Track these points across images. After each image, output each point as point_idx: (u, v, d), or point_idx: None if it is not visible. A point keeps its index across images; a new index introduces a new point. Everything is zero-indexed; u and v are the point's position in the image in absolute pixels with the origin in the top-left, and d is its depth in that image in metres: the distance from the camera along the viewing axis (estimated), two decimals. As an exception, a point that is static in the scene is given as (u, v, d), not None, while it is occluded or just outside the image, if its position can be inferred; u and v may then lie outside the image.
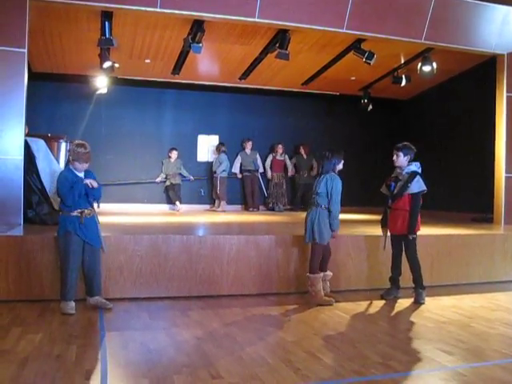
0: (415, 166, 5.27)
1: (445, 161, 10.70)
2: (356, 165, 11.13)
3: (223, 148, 11.18)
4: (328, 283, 5.29)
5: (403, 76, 10.14)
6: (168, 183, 11.03)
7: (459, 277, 6.29)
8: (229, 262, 5.39)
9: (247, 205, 11.41)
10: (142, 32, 8.17)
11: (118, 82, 10.41)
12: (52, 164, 6.65)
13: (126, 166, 10.93)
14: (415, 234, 5.20)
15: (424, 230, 5.44)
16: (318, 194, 5.09)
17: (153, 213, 10.00)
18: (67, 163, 4.75)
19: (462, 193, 10.15)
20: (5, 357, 3.30)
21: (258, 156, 11.49)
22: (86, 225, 4.52)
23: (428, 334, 4.16)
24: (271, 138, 11.68)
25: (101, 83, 9.86)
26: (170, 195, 11.04)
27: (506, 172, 8.39)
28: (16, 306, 4.61)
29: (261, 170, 11.54)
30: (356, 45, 8.41)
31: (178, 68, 10.10)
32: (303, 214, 5.39)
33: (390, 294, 5.41)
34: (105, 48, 8.03)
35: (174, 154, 11.04)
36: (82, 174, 4.60)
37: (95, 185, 4.54)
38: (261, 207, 11.51)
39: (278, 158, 11.57)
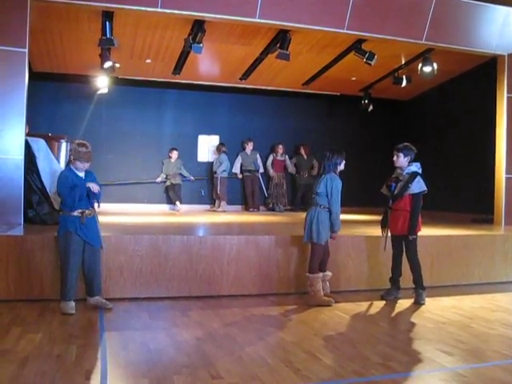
0: (415, 167, 5.27)
1: (445, 161, 10.70)
2: (356, 165, 11.10)
3: (223, 148, 11.18)
4: (328, 283, 5.29)
5: (404, 77, 10.14)
6: (168, 183, 11.03)
7: (459, 277, 6.29)
8: (229, 262, 5.39)
9: (247, 205, 11.41)
10: (142, 32, 8.17)
11: (119, 82, 10.41)
12: (52, 164, 6.66)
13: (127, 166, 10.93)
14: (416, 234, 5.21)
15: (424, 231, 5.44)
16: (318, 193, 5.09)
17: (153, 213, 10.00)
18: (68, 163, 4.74)
19: (463, 193, 10.15)
20: (5, 356, 3.30)
21: (258, 156, 11.48)
22: (86, 225, 4.52)
23: (428, 334, 4.16)
24: (272, 139, 11.67)
25: (101, 83, 9.87)
26: (171, 195, 11.04)
27: (507, 173, 8.38)
28: (16, 305, 4.61)
29: (261, 170, 11.53)
30: (357, 45, 8.41)
31: (178, 68, 10.10)
32: (303, 215, 5.39)
33: (390, 294, 5.41)
34: (105, 48, 8.03)
35: (175, 154, 11.04)
36: (82, 174, 4.61)
37: (96, 190, 4.54)
38: (261, 207, 11.51)
39: (279, 158, 11.57)
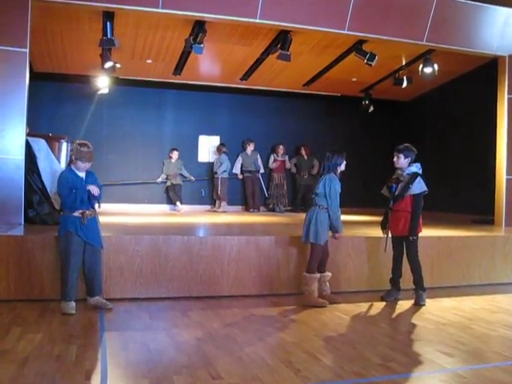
0: (416, 167, 5.27)
1: (446, 162, 10.69)
2: (357, 166, 11.09)
3: (224, 149, 11.19)
4: (328, 284, 5.28)
5: (404, 77, 10.14)
6: (169, 184, 11.04)
7: (460, 278, 6.28)
8: (229, 262, 5.39)
9: (248, 205, 11.41)
10: (143, 32, 8.18)
11: (120, 83, 10.42)
12: (53, 164, 6.66)
13: (127, 166, 10.94)
14: (416, 235, 5.20)
15: (425, 232, 5.44)
16: (317, 194, 5.10)
17: (153, 213, 10.00)
18: (69, 163, 4.74)
19: (463, 194, 10.15)
20: (5, 356, 3.30)
21: (258, 157, 11.49)
22: (86, 225, 4.52)
23: (428, 335, 4.16)
24: (272, 139, 11.68)
25: (102, 83, 9.87)
26: (171, 196, 11.05)
27: (507, 174, 8.38)
28: (16, 305, 4.61)
29: (261, 170, 11.54)
30: (357, 46, 8.42)
31: (179, 68, 10.10)
32: (304, 215, 5.38)
33: (391, 295, 5.41)
34: (106, 48, 8.03)
35: (175, 155, 11.05)
36: (83, 174, 4.60)
37: (96, 193, 4.54)
38: (261, 208, 11.51)
39: (279, 158, 11.58)
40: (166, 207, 11.22)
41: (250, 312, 4.80)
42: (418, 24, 7.77)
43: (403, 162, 5.27)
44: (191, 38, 7.61)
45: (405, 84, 10.18)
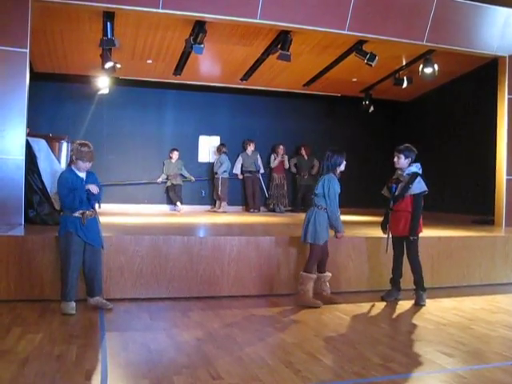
0: (416, 167, 5.27)
1: (446, 162, 10.69)
2: (357, 166, 11.08)
3: (224, 149, 11.19)
4: (328, 284, 5.28)
5: (405, 78, 10.14)
6: (169, 184, 11.04)
7: (460, 279, 6.28)
8: (229, 262, 5.39)
9: (248, 206, 11.41)
10: (143, 32, 8.18)
11: (120, 83, 10.42)
12: (53, 164, 6.66)
13: (128, 167, 10.95)
14: (417, 235, 5.20)
15: (425, 232, 5.43)
16: (316, 194, 5.10)
17: (154, 213, 10.01)
18: (69, 163, 4.74)
19: (463, 194, 10.15)
20: (5, 357, 3.30)
21: (258, 157, 11.49)
22: (86, 225, 4.52)
23: (428, 335, 4.16)
24: (272, 139, 11.68)
25: (102, 84, 9.87)
26: (171, 196, 11.05)
27: (508, 174, 8.38)
28: (16, 305, 4.61)
29: (262, 170, 11.54)
30: (358, 46, 8.42)
31: (179, 69, 10.10)
32: (304, 216, 5.38)
33: (391, 295, 5.41)
34: (106, 48, 8.03)
35: (175, 155, 11.05)
36: (83, 175, 4.60)
37: (95, 191, 4.53)
38: (262, 208, 11.51)
39: (279, 158, 11.57)
40: (166, 207, 11.22)
41: (250, 312, 4.80)
42: (419, 24, 7.77)
43: (403, 163, 5.26)
44: (191, 38, 7.61)
45: (405, 84, 10.18)
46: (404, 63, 9.77)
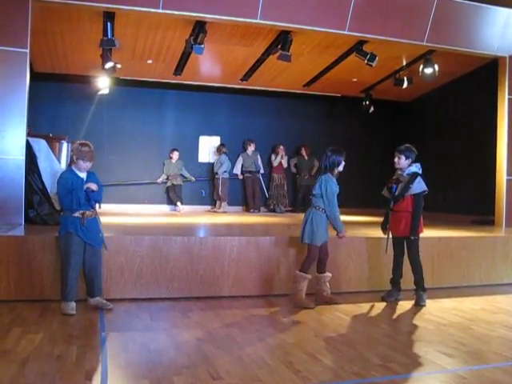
0: (416, 167, 5.27)
1: (446, 163, 10.69)
2: (357, 166, 11.13)
3: (224, 149, 11.19)
4: (328, 284, 5.27)
5: (405, 78, 10.14)
6: (169, 184, 11.04)
7: (460, 279, 6.28)
8: (229, 263, 5.39)
9: (248, 206, 11.41)
10: (144, 33, 8.18)
11: (120, 83, 10.41)
12: (53, 164, 6.66)
13: (128, 167, 10.95)
14: (417, 235, 5.20)
15: (425, 232, 5.43)
16: (314, 195, 5.10)
17: (154, 213, 10.01)
18: (69, 163, 4.74)
19: (463, 195, 10.15)
20: (5, 357, 3.30)
21: (259, 157, 11.49)
22: (87, 226, 4.52)
23: (428, 336, 4.16)
24: (272, 140, 11.68)
25: (103, 84, 9.87)
26: (171, 196, 11.05)
27: (508, 174, 8.38)
28: (17, 306, 4.61)
29: (262, 171, 11.54)
30: (358, 47, 8.41)
31: (179, 69, 10.10)
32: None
33: (391, 295, 5.41)
34: (107, 49, 8.03)
35: (176, 155, 11.05)
36: (84, 175, 4.60)
37: (94, 188, 4.53)
38: (262, 208, 11.51)
39: (280, 158, 11.57)
40: (166, 208, 11.22)
41: (250, 312, 4.80)
42: (419, 24, 7.77)
43: (404, 163, 5.26)
44: (192, 38, 7.61)
45: (405, 84, 10.18)
46: (404, 63, 9.77)
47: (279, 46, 8.03)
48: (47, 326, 4.07)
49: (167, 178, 11.06)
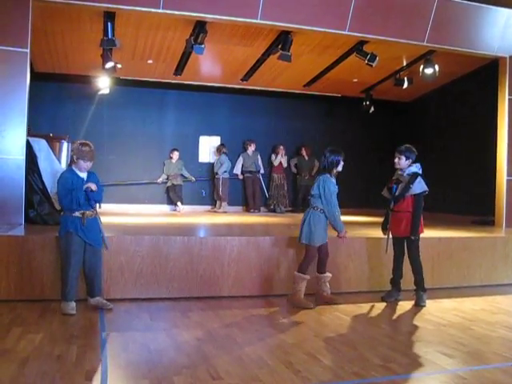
0: (416, 168, 5.27)
1: (446, 163, 10.69)
2: (358, 167, 11.14)
3: (224, 149, 11.19)
4: (328, 284, 5.27)
5: (405, 78, 10.14)
6: (169, 184, 11.04)
7: (460, 279, 6.28)
8: (229, 263, 5.39)
9: (248, 206, 11.41)
10: (144, 33, 8.18)
11: (120, 83, 10.41)
12: (53, 164, 6.67)
13: (128, 167, 10.95)
14: (418, 235, 5.20)
15: (425, 233, 5.43)
16: (312, 195, 5.10)
17: (154, 213, 10.01)
18: (69, 163, 4.74)
19: (464, 195, 10.14)
20: (5, 356, 3.30)
21: (259, 157, 11.49)
22: (87, 226, 4.52)
23: (428, 336, 4.16)
24: (273, 140, 11.68)
25: (103, 84, 9.87)
26: (171, 196, 11.05)
27: (508, 175, 8.38)
28: (17, 305, 4.62)
29: (262, 171, 11.54)
30: (358, 47, 8.41)
31: (180, 69, 10.10)
32: (304, 216, 5.39)
33: (391, 296, 5.41)
34: (107, 48, 8.03)
35: (176, 155, 11.05)
36: (84, 175, 4.59)
37: (94, 188, 4.52)
38: (262, 208, 11.51)
39: (280, 157, 11.57)
40: (166, 207, 11.22)
41: (250, 312, 4.80)
42: (419, 25, 7.77)
43: (404, 163, 5.26)
44: (192, 38, 7.61)
45: (405, 85, 10.18)
46: (404, 64, 9.77)
47: (279, 46, 8.03)
48: (47, 326, 4.07)
49: (167, 178, 11.06)
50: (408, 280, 5.39)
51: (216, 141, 11.68)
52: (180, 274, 5.22)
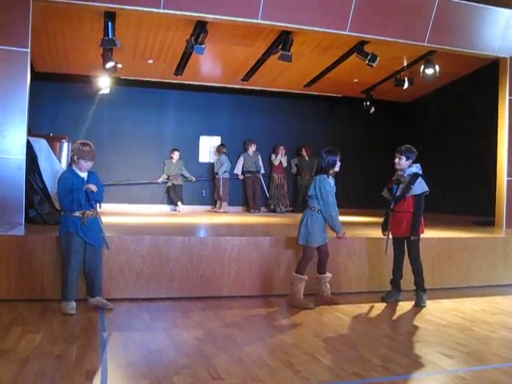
0: (416, 168, 5.26)
1: (447, 163, 10.69)
2: (358, 167, 11.15)
3: (224, 149, 11.20)
4: (328, 285, 5.27)
5: (406, 78, 10.14)
6: (170, 184, 11.05)
7: (460, 280, 6.28)
8: (230, 263, 5.39)
9: (249, 206, 11.41)
10: (144, 32, 8.19)
11: (121, 83, 10.42)
12: (54, 164, 6.67)
13: (128, 167, 10.96)
14: (418, 235, 5.20)
15: (425, 233, 5.43)
16: (310, 196, 5.09)
17: (154, 213, 10.01)
18: (70, 163, 4.73)
19: (464, 196, 10.14)
20: (5, 356, 3.30)
21: (259, 157, 11.50)
22: (87, 225, 4.51)
23: (428, 337, 4.15)
24: (273, 140, 11.69)
25: (103, 83, 9.88)
26: (172, 196, 11.06)
27: (508, 175, 8.38)
28: (17, 305, 4.62)
29: (262, 171, 11.55)
30: (359, 47, 8.42)
31: (180, 69, 10.11)
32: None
33: (391, 296, 5.41)
34: (108, 48, 8.04)
35: (176, 155, 11.06)
36: (84, 175, 4.59)
37: (94, 188, 4.52)
38: (262, 208, 11.52)
39: (280, 157, 11.58)
40: (166, 207, 11.23)
41: (250, 312, 4.80)
42: (420, 25, 7.77)
43: (404, 164, 5.26)
44: (192, 38, 7.62)
45: (406, 85, 10.18)
46: (405, 64, 9.77)
47: (280, 47, 8.03)
48: (47, 326, 4.07)
49: (168, 178, 11.07)
50: (408, 280, 5.38)
51: (216, 141, 11.68)
52: (180, 273, 5.23)
